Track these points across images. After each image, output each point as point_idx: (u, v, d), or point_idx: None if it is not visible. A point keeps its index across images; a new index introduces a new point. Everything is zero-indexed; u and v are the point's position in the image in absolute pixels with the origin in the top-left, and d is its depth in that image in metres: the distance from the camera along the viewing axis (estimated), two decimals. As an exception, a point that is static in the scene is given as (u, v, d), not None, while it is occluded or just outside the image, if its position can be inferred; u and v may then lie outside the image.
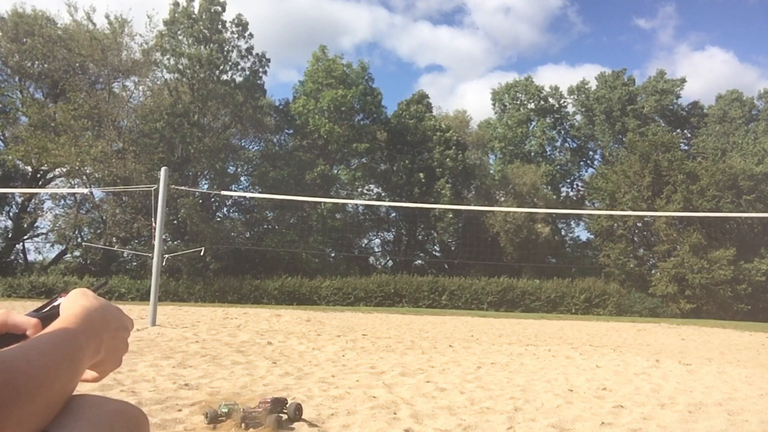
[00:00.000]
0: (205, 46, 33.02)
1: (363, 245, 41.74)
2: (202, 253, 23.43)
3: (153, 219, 12.11)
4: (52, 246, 33.43)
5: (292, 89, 46.16)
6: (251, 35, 35.17)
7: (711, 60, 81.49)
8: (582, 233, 47.32)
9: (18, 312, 0.69)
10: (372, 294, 29.99)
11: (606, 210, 35.23)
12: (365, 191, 40.86)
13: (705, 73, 78.04)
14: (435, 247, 43.58)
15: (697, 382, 6.44)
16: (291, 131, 39.67)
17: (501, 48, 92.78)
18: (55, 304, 0.74)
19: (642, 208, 34.05)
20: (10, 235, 32.71)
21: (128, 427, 0.54)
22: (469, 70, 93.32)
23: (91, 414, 0.52)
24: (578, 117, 50.25)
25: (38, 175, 33.63)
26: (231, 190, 34.48)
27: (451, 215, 37.20)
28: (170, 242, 30.09)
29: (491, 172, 44.72)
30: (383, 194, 40.10)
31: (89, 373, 0.66)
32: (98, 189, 29.66)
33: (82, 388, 0.59)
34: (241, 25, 34.78)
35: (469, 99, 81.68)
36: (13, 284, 25.79)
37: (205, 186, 35.59)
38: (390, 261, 41.79)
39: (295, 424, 3.85)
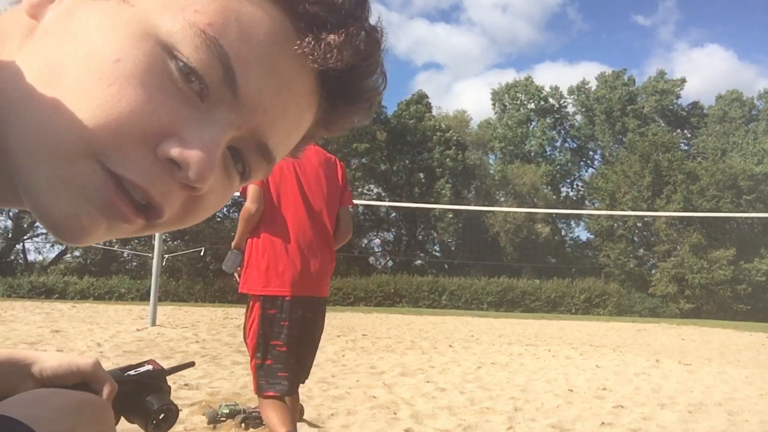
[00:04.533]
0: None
1: (363, 245, 41.72)
2: (202, 253, 23.46)
3: (153, 219, 12.08)
4: (52, 246, 33.48)
5: (292, 89, 46.11)
6: (251, 35, 35.19)
7: (710, 57, 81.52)
8: (582, 233, 47.40)
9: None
10: (372, 294, 29.95)
11: (606, 210, 35.22)
12: (365, 191, 40.84)
13: (704, 70, 78.11)
14: (435, 247, 43.60)
15: (697, 382, 6.44)
16: (291, 131, 39.66)
17: (499, 46, 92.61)
18: (142, 370, 0.66)
19: (642, 208, 34.05)
20: (10, 235, 32.73)
21: (93, 416, 0.53)
22: (466, 68, 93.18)
23: (55, 402, 0.51)
24: (578, 117, 50.25)
25: (38, 175, 33.65)
26: (231, 190, 34.46)
27: (451, 215, 37.19)
28: (170, 242, 30.08)
29: (491, 172, 44.72)
30: (383, 194, 40.09)
31: None
32: (98, 189, 29.64)
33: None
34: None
35: (467, 97, 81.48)
36: (13, 284, 25.75)
37: (205, 186, 35.59)
38: (390, 261, 41.78)
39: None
